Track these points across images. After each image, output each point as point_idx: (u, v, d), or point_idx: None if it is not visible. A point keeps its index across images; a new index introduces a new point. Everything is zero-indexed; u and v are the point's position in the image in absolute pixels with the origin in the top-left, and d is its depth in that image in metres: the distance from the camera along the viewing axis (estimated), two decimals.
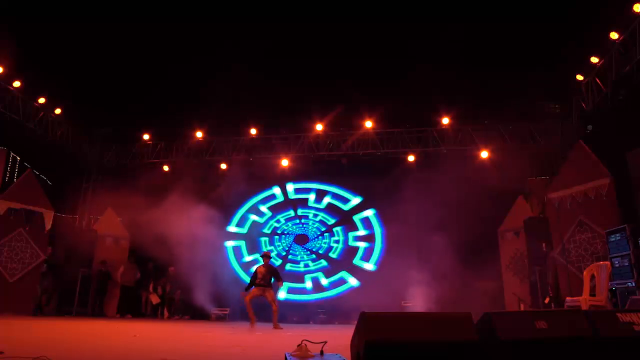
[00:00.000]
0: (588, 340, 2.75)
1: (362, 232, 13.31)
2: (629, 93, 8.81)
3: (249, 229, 13.93)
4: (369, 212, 13.40)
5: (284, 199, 14.08)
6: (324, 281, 13.09)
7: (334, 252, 13.40)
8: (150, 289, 12.56)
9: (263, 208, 14.04)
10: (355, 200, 13.68)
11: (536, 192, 11.33)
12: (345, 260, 13.20)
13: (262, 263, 8.87)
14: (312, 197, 13.94)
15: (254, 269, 9.03)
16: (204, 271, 11.95)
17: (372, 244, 13.14)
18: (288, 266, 13.39)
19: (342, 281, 13.00)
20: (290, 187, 14.10)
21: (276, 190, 14.13)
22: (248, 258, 13.53)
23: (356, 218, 13.45)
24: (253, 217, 13.95)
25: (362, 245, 13.28)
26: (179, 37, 11.77)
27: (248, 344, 5.50)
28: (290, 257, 13.56)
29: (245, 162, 13.57)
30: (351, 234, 13.45)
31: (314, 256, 13.48)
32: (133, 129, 13.85)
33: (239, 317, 10.58)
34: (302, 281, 13.14)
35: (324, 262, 13.36)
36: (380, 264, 12.79)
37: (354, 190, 13.67)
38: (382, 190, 13.22)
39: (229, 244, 13.79)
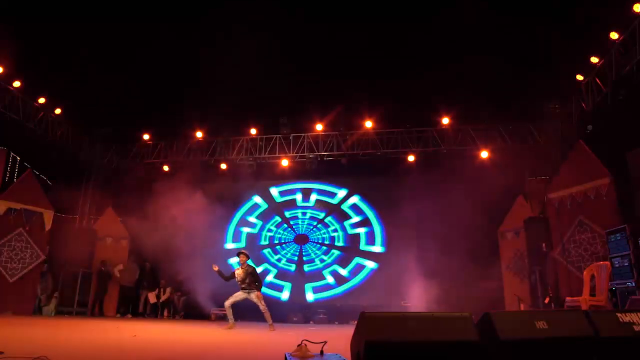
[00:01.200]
0: (588, 340, 2.74)
1: (344, 271, 13.24)
2: (629, 93, 8.79)
3: (246, 241, 13.99)
4: (355, 199, 13.66)
5: (268, 205, 14.15)
6: (343, 272, 13.16)
7: (338, 241, 13.51)
8: (156, 291, 12.58)
9: (252, 219, 14.12)
10: (342, 193, 13.91)
11: (536, 192, 11.32)
12: (353, 247, 13.31)
13: (239, 263, 8.26)
14: (299, 197, 14.09)
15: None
16: (203, 271, 11.94)
17: (371, 228, 13.30)
18: (306, 267, 13.46)
19: (360, 267, 13.11)
20: (274, 191, 14.24)
21: (257, 199, 14.23)
22: (252, 219, 14.04)
23: (344, 207, 13.58)
24: (245, 230, 13.99)
25: (361, 231, 13.43)
26: (179, 37, 11.78)
27: (248, 344, 5.51)
28: (304, 257, 13.61)
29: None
30: (347, 222, 13.57)
31: (325, 248, 13.55)
32: (133, 129, 13.83)
33: (239, 317, 10.57)
34: (323, 278, 13.21)
35: (336, 252, 13.43)
36: (387, 245, 12.96)
37: (337, 184, 13.91)
38: (382, 190, 13.25)
39: (233, 260, 13.49)
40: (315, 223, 13.84)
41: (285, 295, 13.06)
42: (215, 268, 8.25)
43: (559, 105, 11.31)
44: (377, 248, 13.17)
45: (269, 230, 13.93)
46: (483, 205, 10.61)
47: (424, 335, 2.58)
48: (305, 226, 13.90)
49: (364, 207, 13.66)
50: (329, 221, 13.81)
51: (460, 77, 10.77)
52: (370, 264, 13.05)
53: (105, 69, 12.06)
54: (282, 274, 13.35)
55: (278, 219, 14.02)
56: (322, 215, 13.85)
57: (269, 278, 13.27)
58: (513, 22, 10.23)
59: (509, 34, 10.11)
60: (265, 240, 13.80)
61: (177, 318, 12.36)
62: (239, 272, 8.19)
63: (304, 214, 14.01)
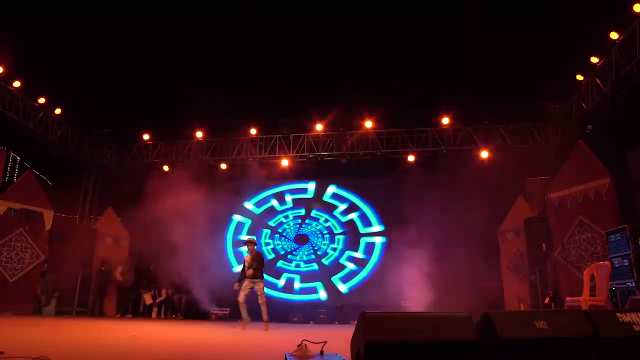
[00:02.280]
0: (588, 340, 2.74)
1: (359, 254, 13.16)
2: (629, 93, 8.80)
3: (263, 212, 13.98)
4: (379, 239, 13.20)
5: (251, 220, 13.99)
6: (358, 255, 13.11)
7: (327, 259, 13.37)
8: (153, 292, 12.57)
9: (288, 198, 14.03)
10: (311, 186, 13.82)
11: (536, 192, 11.32)
12: (352, 231, 13.25)
13: (248, 251, 8.45)
14: (342, 207, 13.78)
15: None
16: (203, 271, 11.95)
17: (359, 269, 13.01)
18: (324, 260, 13.36)
19: (371, 245, 13.06)
20: (249, 205, 14.10)
21: (237, 217, 14.06)
22: (244, 237, 13.65)
23: (364, 240, 13.27)
24: (274, 203, 13.99)
25: (353, 216, 13.37)
26: (179, 38, 11.79)
27: (248, 344, 5.51)
28: (289, 256, 13.57)
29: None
30: (349, 252, 13.36)
31: (313, 257, 13.44)
32: (133, 129, 13.84)
33: (238, 317, 10.59)
34: (343, 267, 13.14)
35: (314, 266, 13.35)
36: (353, 289, 12.79)
37: (382, 217, 13.43)
38: (382, 190, 13.25)
39: (237, 217, 13.95)
40: (300, 221, 13.78)
41: (322, 295, 12.92)
42: (236, 286, 8.34)
43: (559, 105, 11.31)
44: (377, 228, 13.13)
45: (267, 244, 13.75)
46: (483, 205, 10.61)
47: (424, 335, 2.58)
48: (297, 226, 13.80)
49: (344, 193, 13.67)
50: (316, 214, 13.72)
51: (461, 77, 10.77)
52: (378, 239, 13.02)
53: (105, 69, 12.08)
54: (307, 276, 13.18)
55: (268, 230, 13.88)
56: (303, 212, 13.78)
57: (297, 285, 13.13)
58: (513, 22, 10.24)
59: (509, 34, 10.11)
60: (270, 254, 13.57)
61: (177, 317, 12.34)
62: (247, 259, 8.33)
63: (286, 217, 13.91)
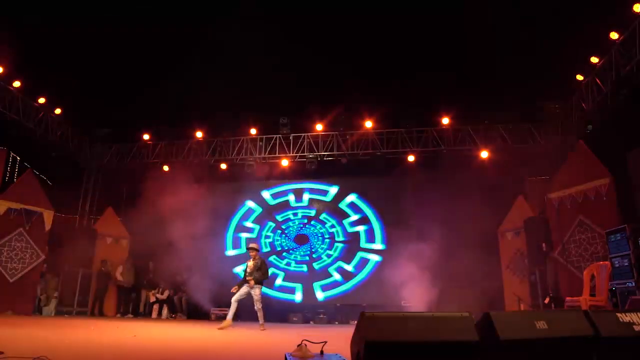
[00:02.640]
0: (588, 340, 2.74)
1: (349, 267, 13.10)
2: (629, 93, 8.79)
3: (277, 205, 13.98)
4: (352, 197, 13.42)
5: (262, 209, 13.97)
6: (348, 267, 13.10)
7: (318, 263, 13.33)
8: (157, 290, 12.58)
9: (248, 224, 13.94)
10: (333, 190, 13.76)
11: (536, 192, 11.32)
12: (354, 243, 13.24)
13: (250, 257, 8.38)
14: (291, 197, 13.88)
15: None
16: (204, 272, 11.95)
17: (370, 226, 13.08)
18: (315, 265, 13.34)
19: (364, 261, 13.03)
20: (266, 194, 14.09)
21: (250, 203, 14.06)
22: (249, 224, 13.84)
23: (360, 254, 13.19)
24: (244, 235, 13.78)
25: (361, 229, 13.31)
26: (179, 38, 11.80)
27: (248, 344, 5.51)
28: (284, 254, 13.55)
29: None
30: (345, 221, 13.43)
31: (328, 241, 13.42)
32: (133, 129, 13.83)
33: (239, 318, 10.59)
34: (330, 275, 13.13)
35: (340, 246, 13.32)
36: (329, 300, 12.80)
37: (328, 181, 13.71)
38: (382, 190, 13.25)
39: (250, 204, 13.99)
40: (305, 221, 13.75)
41: (298, 297, 12.93)
42: (234, 289, 8.24)
43: (559, 105, 11.31)
44: (378, 246, 13.07)
45: (267, 237, 13.74)
46: (483, 205, 10.61)
47: (424, 335, 2.58)
48: (301, 226, 13.78)
49: (362, 205, 13.55)
50: (325, 218, 13.68)
51: (461, 77, 10.77)
52: (374, 257, 12.96)
53: (105, 69, 12.09)
54: (291, 276, 13.20)
55: (272, 224, 13.87)
56: (313, 212, 13.75)
57: (278, 282, 13.13)
58: (513, 22, 10.24)
59: (509, 34, 10.11)
60: (266, 247, 13.58)
61: (177, 317, 12.35)
62: (250, 265, 8.28)
63: (295, 214, 13.89)
